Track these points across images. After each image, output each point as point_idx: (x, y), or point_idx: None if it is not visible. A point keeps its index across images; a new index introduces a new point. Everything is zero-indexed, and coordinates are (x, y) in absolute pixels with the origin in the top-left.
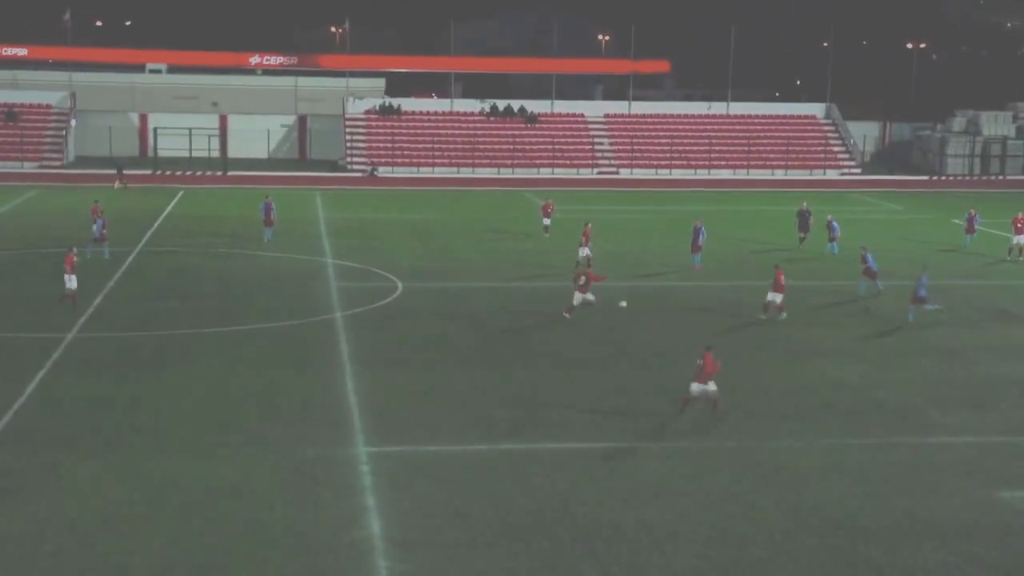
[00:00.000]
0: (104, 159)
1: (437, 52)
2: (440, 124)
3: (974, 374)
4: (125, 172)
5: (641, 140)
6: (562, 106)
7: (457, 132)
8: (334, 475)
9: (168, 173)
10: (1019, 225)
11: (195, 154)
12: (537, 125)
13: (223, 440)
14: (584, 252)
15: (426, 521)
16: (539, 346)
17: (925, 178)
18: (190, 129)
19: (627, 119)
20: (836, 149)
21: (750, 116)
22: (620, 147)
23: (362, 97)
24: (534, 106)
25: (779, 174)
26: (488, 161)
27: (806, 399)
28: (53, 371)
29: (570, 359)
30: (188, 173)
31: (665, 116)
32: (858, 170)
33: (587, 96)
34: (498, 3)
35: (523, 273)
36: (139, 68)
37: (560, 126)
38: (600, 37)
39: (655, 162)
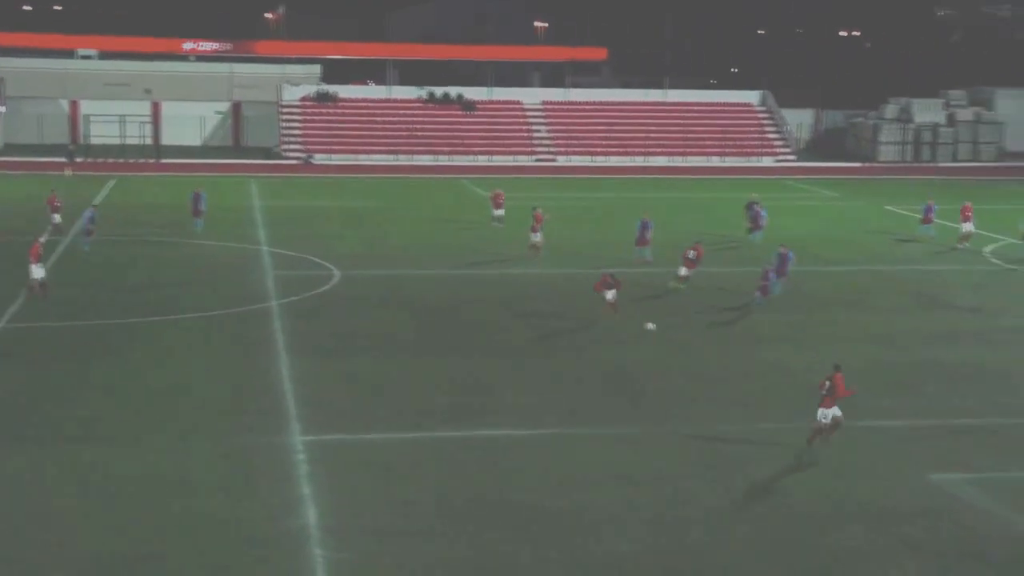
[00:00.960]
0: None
1: (374, 39)
2: (377, 111)
3: (904, 358)
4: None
5: (578, 127)
6: (500, 93)
7: (395, 119)
8: (270, 464)
9: (100, 161)
10: (968, 214)
11: (128, 141)
12: (475, 112)
13: (157, 430)
14: (536, 237)
15: (363, 509)
16: (477, 333)
17: (858, 165)
18: (122, 116)
19: (564, 106)
20: (771, 136)
21: (687, 103)
22: (557, 134)
23: (298, 84)
24: (472, 93)
25: (715, 161)
26: (426, 148)
27: (742, 384)
28: None
29: (509, 347)
30: (120, 161)
31: (602, 103)
32: (793, 157)
33: (525, 83)
34: None
35: (462, 260)
36: (69, 54)
37: (498, 113)
38: (537, 24)
39: (592, 149)
